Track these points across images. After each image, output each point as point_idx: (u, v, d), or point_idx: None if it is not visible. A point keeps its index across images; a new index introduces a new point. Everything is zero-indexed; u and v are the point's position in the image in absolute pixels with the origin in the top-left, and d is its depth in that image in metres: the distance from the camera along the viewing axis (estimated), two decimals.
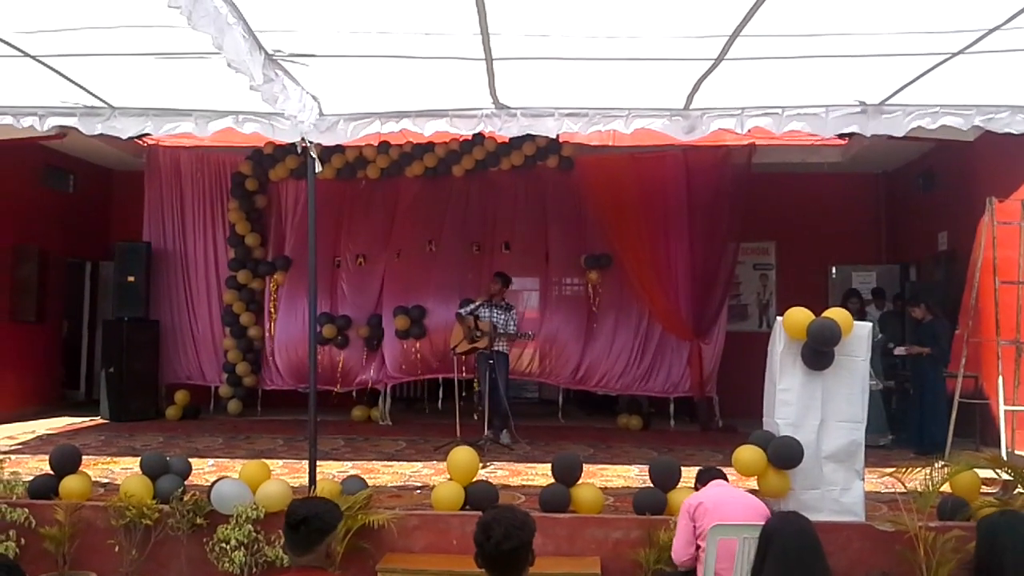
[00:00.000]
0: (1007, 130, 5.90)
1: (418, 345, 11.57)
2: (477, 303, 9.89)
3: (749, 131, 6.27)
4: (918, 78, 5.48)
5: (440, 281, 11.75)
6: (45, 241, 12.16)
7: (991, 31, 4.69)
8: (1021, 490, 5.91)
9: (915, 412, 9.48)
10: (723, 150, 11.18)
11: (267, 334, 12.08)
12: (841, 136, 11.06)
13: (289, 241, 12.27)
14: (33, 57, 5.38)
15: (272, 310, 12.07)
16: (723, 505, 4.78)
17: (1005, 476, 6.29)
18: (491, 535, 3.13)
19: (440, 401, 11.25)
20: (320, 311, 10.83)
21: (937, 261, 11.35)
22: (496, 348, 9.56)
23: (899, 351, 9.61)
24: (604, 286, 11.69)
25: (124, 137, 6.48)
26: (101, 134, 6.43)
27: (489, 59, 5.27)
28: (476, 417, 9.66)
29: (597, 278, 11.67)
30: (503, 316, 9.68)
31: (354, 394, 11.91)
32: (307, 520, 3.36)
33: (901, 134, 6.04)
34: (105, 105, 6.23)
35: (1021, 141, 7.15)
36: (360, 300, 12.00)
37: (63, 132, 9.72)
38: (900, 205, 12.63)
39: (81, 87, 5.89)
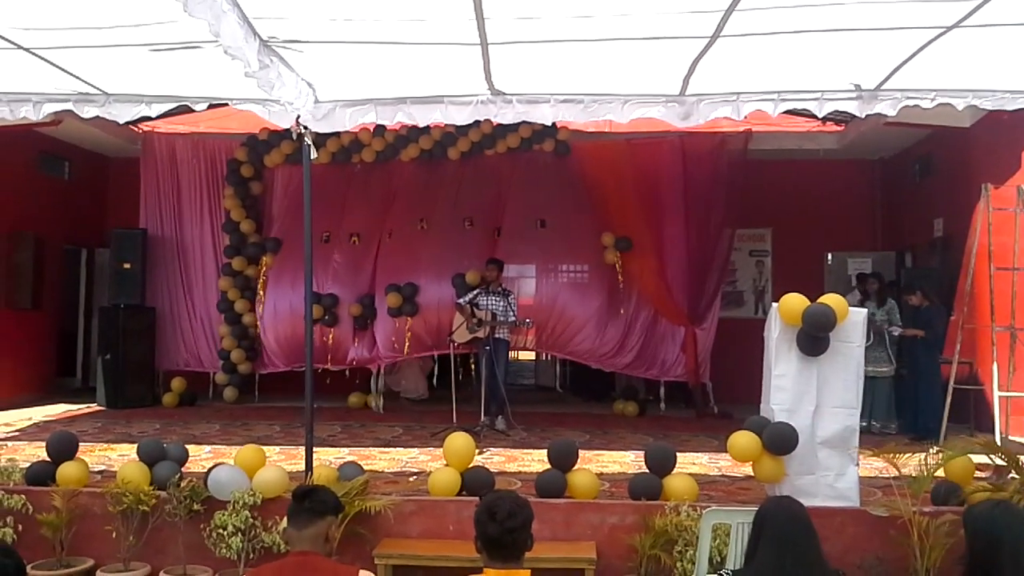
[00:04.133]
0: (1001, 107, 5.91)
1: (410, 322, 11.42)
2: (476, 291, 9.90)
3: (745, 117, 6.26)
4: (913, 56, 5.42)
5: (432, 258, 11.57)
6: (41, 228, 12.12)
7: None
8: (1015, 475, 5.93)
9: (910, 398, 9.53)
10: (719, 136, 11.19)
11: (257, 316, 11.97)
12: (837, 122, 11.16)
13: (277, 223, 12.20)
14: (27, 49, 5.38)
15: (261, 292, 11.95)
16: None
17: (999, 461, 6.31)
18: (496, 514, 3.08)
19: (435, 378, 11.23)
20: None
21: (933, 247, 11.36)
22: (496, 335, 9.58)
23: (895, 331, 9.69)
24: (603, 269, 11.57)
25: (121, 122, 6.46)
26: (97, 117, 6.40)
27: (484, 44, 5.24)
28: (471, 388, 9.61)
29: (618, 260, 11.45)
30: (502, 303, 9.68)
31: (347, 373, 11.82)
32: (314, 491, 3.43)
33: (894, 112, 6.03)
34: (100, 92, 6.21)
35: (1017, 128, 7.18)
36: (352, 280, 11.85)
37: (58, 119, 9.71)
38: (896, 192, 12.63)
39: (76, 76, 5.88)
